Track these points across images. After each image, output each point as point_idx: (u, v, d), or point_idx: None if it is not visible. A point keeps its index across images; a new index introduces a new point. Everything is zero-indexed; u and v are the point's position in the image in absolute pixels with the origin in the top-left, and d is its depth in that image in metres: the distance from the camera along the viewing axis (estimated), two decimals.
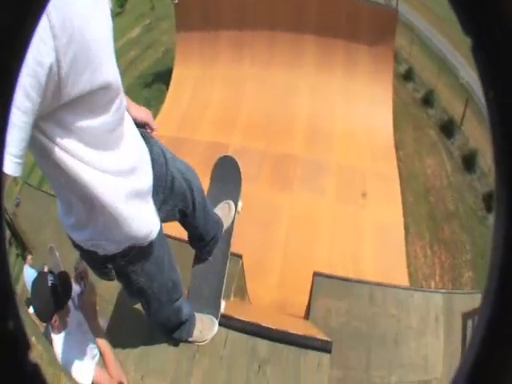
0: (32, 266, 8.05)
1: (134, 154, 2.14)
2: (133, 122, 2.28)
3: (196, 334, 3.86)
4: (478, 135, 17.89)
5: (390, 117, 14.72)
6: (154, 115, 15.82)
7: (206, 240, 3.77)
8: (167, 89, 16.85)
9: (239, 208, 4.15)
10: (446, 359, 5.66)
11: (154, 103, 17.76)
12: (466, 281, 14.15)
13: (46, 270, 3.52)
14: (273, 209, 12.22)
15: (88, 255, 2.37)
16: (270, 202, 12.23)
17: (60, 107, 1.59)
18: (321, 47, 15.12)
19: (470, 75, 20.63)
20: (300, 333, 4.46)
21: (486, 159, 16.83)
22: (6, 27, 0.46)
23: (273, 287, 10.27)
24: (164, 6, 24.39)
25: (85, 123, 1.71)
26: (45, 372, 0.49)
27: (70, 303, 3.57)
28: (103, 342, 3.31)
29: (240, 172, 4.21)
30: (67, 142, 1.71)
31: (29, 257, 8.47)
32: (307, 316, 6.01)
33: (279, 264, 11.03)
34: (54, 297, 3.31)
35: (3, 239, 0.51)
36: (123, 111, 1.96)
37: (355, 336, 5.68)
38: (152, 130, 2.70)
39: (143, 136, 2.53)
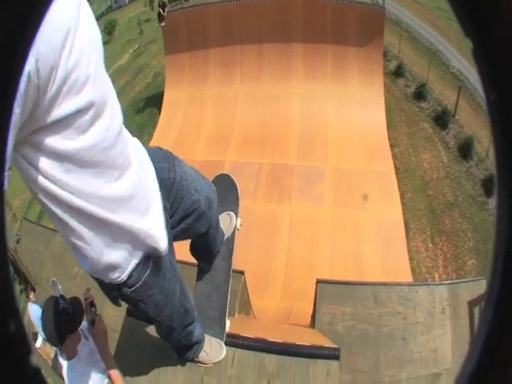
0: (35, 302, 8.10)
1: (135, 174, 2.08)
2: (136, 142, 2.27)
3: (203, 355, 3.91)
4: (472, 122, 17.79)
5: (383, 116, 14.82)
6: (148, 140, 15.97)
7: (213, 253, 3.87)
8: (159, 112, 16.93)
9: (238, 225, 4.17)
10: (454, 349, 5.63)
11: (147, 128, 17.80)
12: (469, 269, 14.07)
13: (57, 295, 3.53)
14: (272, 221, 12.30)
15: (96, 280, 2.35)
16: (269, 215, 12.32)
17: (42, 130, 1.55)
18: (309, 55, 15.25)
19: (460, 63, 20.58)
20: (307, 343, 4.45)
21: (483, 144, 16.78)
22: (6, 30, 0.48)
23: (277, 298, 10.26)
24: (152, 30, 24.43)
25: (72, 145, 1.64)
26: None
27: (81, 332, 3.61)
28: (114, 371, 3.34)
29: (237, 189, 4.22)
30: (57, 172, 1.67)
31: (31, 294, 8.49)
32: (313, 324, 5.99)
33: (282, 275, 11.07)
34: (66, 320, 3.34)
35: (5, 243, 0.52)
36: (117, 128, 1.88)
37: (363, 339, 5.68)
38: None
39: (166, 158, 2.61)
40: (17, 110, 1.34)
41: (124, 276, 2.26)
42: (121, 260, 2.18)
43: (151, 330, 4.04)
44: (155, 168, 2.42)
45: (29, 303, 8.37)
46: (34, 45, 1.20)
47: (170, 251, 2.58)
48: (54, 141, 1.59)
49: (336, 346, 4.44)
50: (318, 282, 6.19)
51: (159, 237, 2.32)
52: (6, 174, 0.52)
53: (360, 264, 11.02)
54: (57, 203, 1.79)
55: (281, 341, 4.38)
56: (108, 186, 1.90)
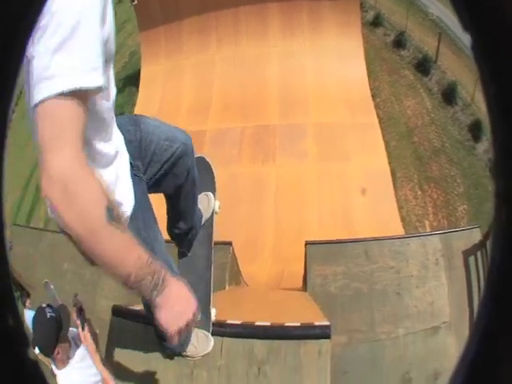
0: (32, 309, 8.10)
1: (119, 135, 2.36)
2: None
3: (191, 349, 3.84)
4: (455, 67, 17.81)
5: (363, 67, 14.67)
6: None
7: (191, 225, 3.78)
8: (138, 90, 16.79)
9: (217, 208, 4.09)
10: (452, 301, 5.62)
11: (127, 108, 17.71)
12: (461, 214, 14.12)
13: (44, 305, 3.58)
14: (258, 183, 12.29)
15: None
16: (254, 178, 12.31)
17: None
18: (285, 12, 15.00)
19: (439, 9, 20.50)
20: (296, 323, 4.36)
21: (467, 89, 16.76)
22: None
23: (268, 262, 10.21)
24: (125, 10, 24.39)
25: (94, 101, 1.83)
26: None
27: (70, 339, 3.66)
28: (106, 374, 3.38)
29: (213, 171, 4.14)
30: None
31: (27, 301, 8.50)
32: (305, 286, 5.97)
33: (271, 237, 11.06)
34: (54, 328, 3.41)
35: (3, 236, 0.58)
36: (115, 91, 2.13)
37: (356, 297, 5.66)
38: None
39: (131, 121, 2.77)
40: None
41: None
42: None
43: (138, 330, 4.10)
44: (122, 133, 2.51)
45: (25, 310, 8.36)
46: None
47: (146, 211, 2.68)
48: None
49: (327, 324, 4.32)
50: (307, 243, 6.15)
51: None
52: None
53: (349, 218, 11.06)
54: None
55: (269, 324, 4.29)
56: (100, 144, 2.08)
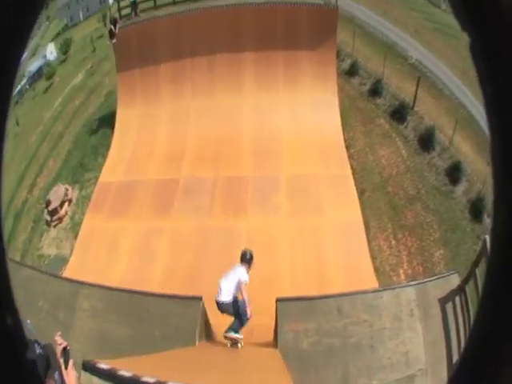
0: None
1: None
2: None
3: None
4: (433, 110, 17.72)
5: (337, 118, 14.75)
6: (102, 162, 15.95)
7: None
8: (113, 133, 16.70)
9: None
10: (428, 349, 5.63)
11: (101, 150, 17.53)
12: (437, 260, 13.94)
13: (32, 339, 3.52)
14: (229, 236, 12.01)
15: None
16: (225, 231, 12.13)
17: None
18: (260, 63, 15.16)
19: (419, 51, 20.59)
20: None
21: (445, 132, 16.75)
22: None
23: None
24: (105, 46, 24.50)
25: None
26: None
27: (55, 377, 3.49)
28: None
29: None
30: None
31: None
32: (276, 341, 5.94)
33: None
34: (43, 367, 3.23)
35: (2, 237, 0.61)
36: None
37: (329, 353, 5.59)
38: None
39: None
40: None
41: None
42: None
43: None
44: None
45: None
46: None
47: None
48: None
49: None
50: (278, 300, 6.14)
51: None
52: None
53: (322, 271, 10.90)
54: None
55: None
56: None
